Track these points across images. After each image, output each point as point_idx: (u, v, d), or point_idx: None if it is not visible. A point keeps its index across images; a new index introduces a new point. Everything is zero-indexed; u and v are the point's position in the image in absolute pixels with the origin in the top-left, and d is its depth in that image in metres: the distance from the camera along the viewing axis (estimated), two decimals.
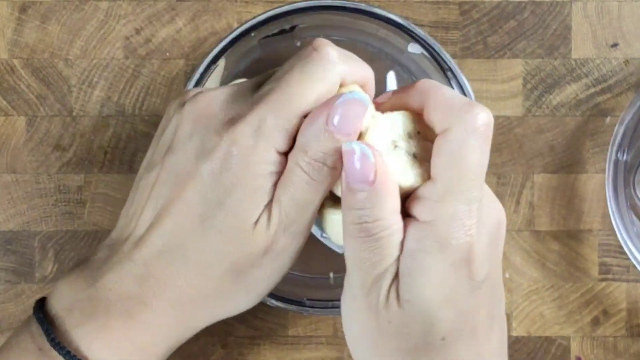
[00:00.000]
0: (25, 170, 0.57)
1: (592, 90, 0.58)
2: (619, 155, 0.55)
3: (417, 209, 0.40)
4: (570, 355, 0.58)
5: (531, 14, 0.57)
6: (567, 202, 0.58)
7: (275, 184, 0.41)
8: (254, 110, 0.41)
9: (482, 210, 0.40)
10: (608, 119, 0.58)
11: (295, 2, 0.51)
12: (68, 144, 0.57)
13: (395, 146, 0.41)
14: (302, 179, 0.40)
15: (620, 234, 0.55)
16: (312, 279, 0.56)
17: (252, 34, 0.51)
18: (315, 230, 0.52)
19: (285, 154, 0.41)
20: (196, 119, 0.42)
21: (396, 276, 0.40)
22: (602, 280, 0.58)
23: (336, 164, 0.40)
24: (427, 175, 0.40)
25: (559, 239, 0.58)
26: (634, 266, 0.56)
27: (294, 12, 0.51)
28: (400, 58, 0.54)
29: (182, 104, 0.43)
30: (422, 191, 0.40)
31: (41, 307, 0.43)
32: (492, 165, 0.57)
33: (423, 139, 0.42)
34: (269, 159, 0.41)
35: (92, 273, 0.43)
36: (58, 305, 0.42)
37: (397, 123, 0.41)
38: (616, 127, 0.55)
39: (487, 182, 0.58)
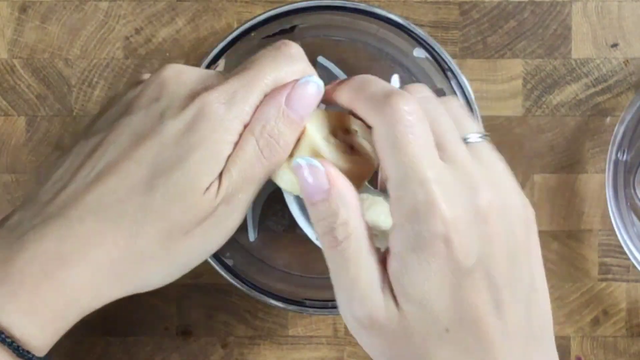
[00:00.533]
0: (25, 170, 0.57)
1: (592, 90, 0.58)
2: (619, 155, 0.55)
3: (391, 211, 0.40)
4: (570, 355, 0.58)
5: (531, 14, 0.57)
6: (567, 202, 0.58)
7: (229, 156, 0.42)
8: (228, 82, 0.42)
9: (452, 195, 0.39)
10: (608, 119, 0.58)
11: (295, 2, 0.51)
12: (68, 144, 0.57)
13: (335, 135, 0.43)
14: (254, 152, 0.42)
15: (620, 234, 0.55)
16: (312, 279, 0.56)
17: (252, 34, 0.51)
18: (310, 234, 0.52)
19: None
20: (165, 84, 0.43)
21: (386, 282, 0.40)
22: (602, 280, 0.58)
23: (286, 145, 0.42)
24: (364, 162, 0.42)
25: (559, 239, 0.58)
26: (634, 266, 0.56)
27: (294, 12, 0.51)
28: (401, 59, 0.54)
29: (138, 81, 0.44)
30: (389, 191, 0.40)
31: None
32: None
33: (359, 135, 0.44)
34: (234, 128, 0.42)
35: (8, 235, 0.42)
36: None
37: (333, 117, 0.44)
38: (616, 127, 0.55)
39: None
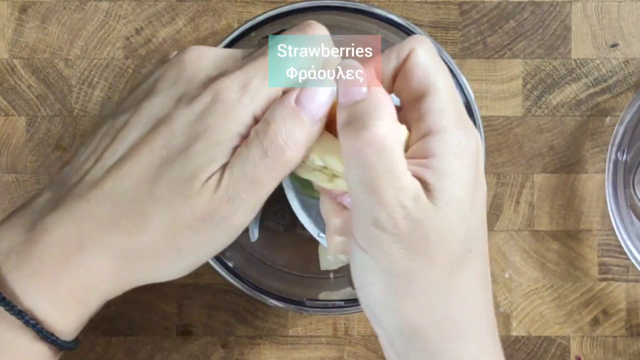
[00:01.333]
0: (26, 170, 0.58)
1: (592, 90, 0.58)
2: (618, 155, 0.55)
3: (431, 119, 0.40)
4: (570, 355, 0.58)
5: (531, 14, 0.57)
6: (566, 202, 0.58)
7: (236, 150, 0.41)
8: (243, 69, 0.41)
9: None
10: (608, 119, 0.58)
11: (295, 2, 0.51)
12: (68, 144, 0.57)
13: None
14: (257, 151, 0.40)
15: (620, 233, 0.55)
16: (312, 279, 0.56)
17: (252, 34, 0.51)
18: (312, 230, 0.52)
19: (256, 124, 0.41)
20: (184, 68, 0.42)
21: (416, 187, 0.39)
22: (602, 280, 0.58)
23: (296, 146, 0.41)
24: None
25: (558, 239, 0.58)
26: (634, 266, 0.56)
27: (294, 12, 0.51)
28: None
29: (166, 60, 0.43)
30: (428, 106, 0.40)
31: None
32: (492, 165, 0.57)
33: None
34: (244, 120, 0.41)
35: (32, 216, 0.42)
36: None
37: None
38: (616, 127, 0.55)
39: (487, 182, 0.58)
